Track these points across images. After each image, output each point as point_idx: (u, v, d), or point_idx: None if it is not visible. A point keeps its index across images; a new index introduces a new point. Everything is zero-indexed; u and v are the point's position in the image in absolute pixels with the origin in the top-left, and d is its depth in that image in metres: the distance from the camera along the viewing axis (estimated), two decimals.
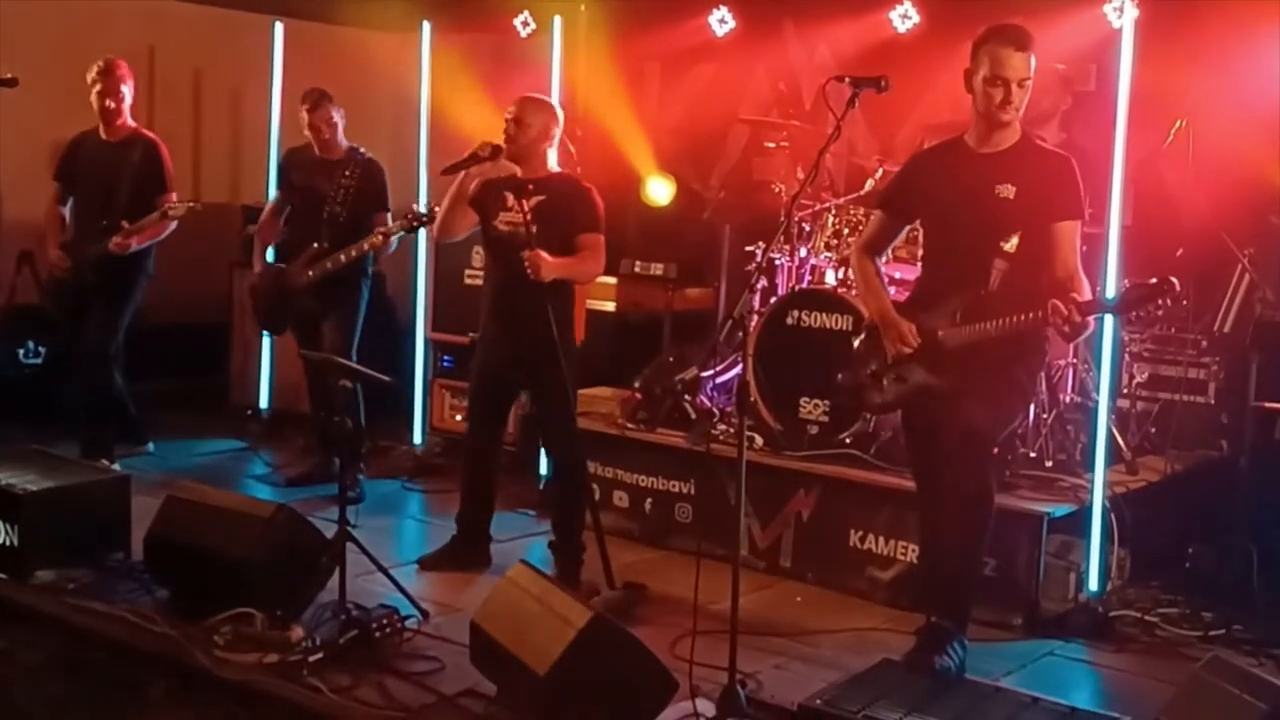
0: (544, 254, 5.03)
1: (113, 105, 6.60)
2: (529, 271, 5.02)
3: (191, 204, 6.61)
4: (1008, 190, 4.35)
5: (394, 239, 6.35)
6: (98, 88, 6.59)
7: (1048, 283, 4.29)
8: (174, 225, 6.62)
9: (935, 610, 4.40)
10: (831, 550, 5.45)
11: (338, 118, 6.52)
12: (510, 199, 5.17)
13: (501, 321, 5.31)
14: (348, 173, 6.47)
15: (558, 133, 5.32)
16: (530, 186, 5.13)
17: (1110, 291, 5.07)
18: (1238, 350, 5.93)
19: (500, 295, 5.31)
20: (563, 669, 3.67)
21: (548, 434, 5.52)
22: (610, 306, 7.34)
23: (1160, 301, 4.07)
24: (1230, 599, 5.14)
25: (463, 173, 5.27)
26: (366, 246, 6.28)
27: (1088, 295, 4.31)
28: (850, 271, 5.67)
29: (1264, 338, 5.51)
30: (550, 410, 5.38)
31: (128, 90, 6.66)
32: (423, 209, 6.21)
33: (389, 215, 6.47)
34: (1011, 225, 4.35)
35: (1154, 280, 4.07)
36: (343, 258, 6.31)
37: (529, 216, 5.06)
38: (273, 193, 7.25)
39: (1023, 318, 4.23)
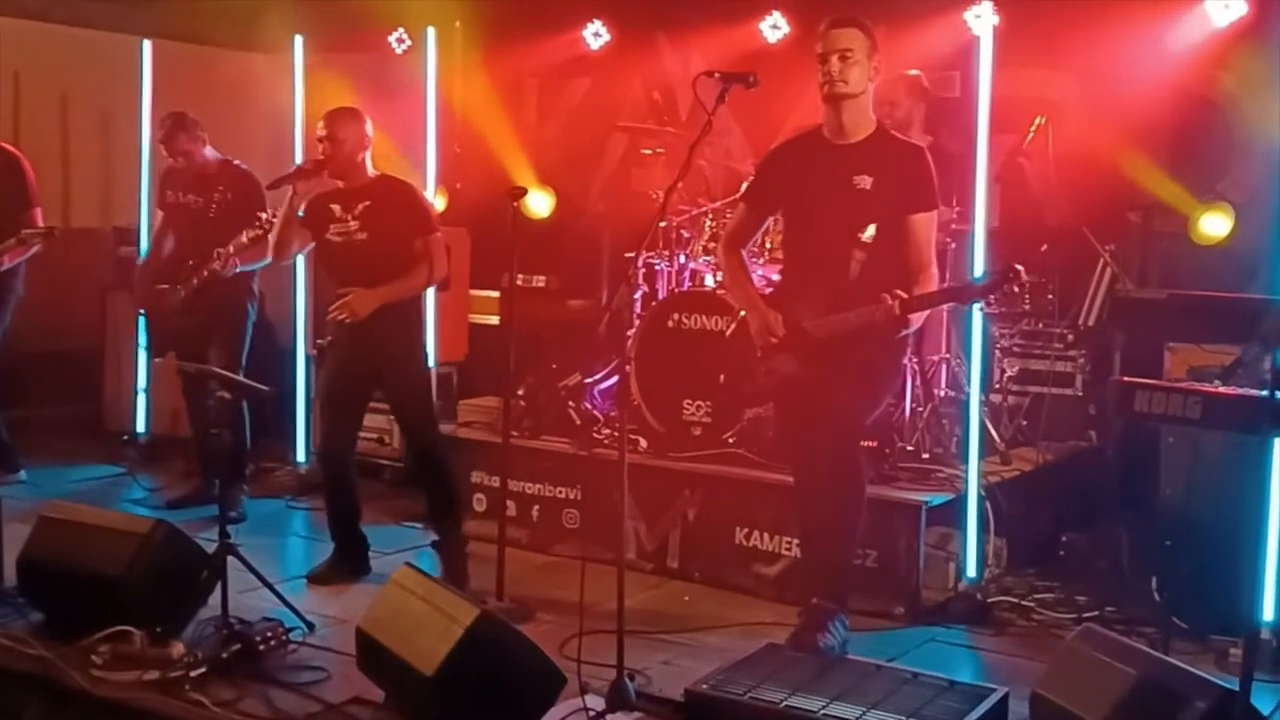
0: (358, 295, 5.22)
1: None
2: (344, 318, 5.24)
3: (49, 229, 6.49)
4: (864, 181, 4.44)
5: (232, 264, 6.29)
6: None
7: (900, 274, 4.39)
8: (37, 246, 6.49)
9: (815, 591, 4.48)
10: (718, 549, 5.51)
11: (192, 144, 6.40)
12: (338, 210, 5.37)
13: (348, 329, 5.33)
14: (221, 188, 6.38)
15: (368, 135, 5.42)
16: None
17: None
18: (1103, 343, 6.13)
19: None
20: (450, 668, 3.67)
21: (408, 432, 5.64)
22: (494, 320, 7.34)
23: (1007, 288, 4.21)
24: (1102, 583, 5.30)
25: (290, 193, 5.38)
26: (218, 268, 6.16)
27: (932, 288, 4.44)
28: None
29: (1122, 314, 5.69)
30: (408, 410, 5.52)
31: None
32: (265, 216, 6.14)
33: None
34: (868, 215, 4.45)
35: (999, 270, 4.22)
36: (204, 272, 6.21)
37: (358, 225, 5.31)
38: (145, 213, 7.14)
39: (869, 310, 4.32)
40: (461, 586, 5.02)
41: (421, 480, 5.58)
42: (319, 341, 5.69)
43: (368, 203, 5.33)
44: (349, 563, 5.48)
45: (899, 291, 4.26)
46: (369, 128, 5.41)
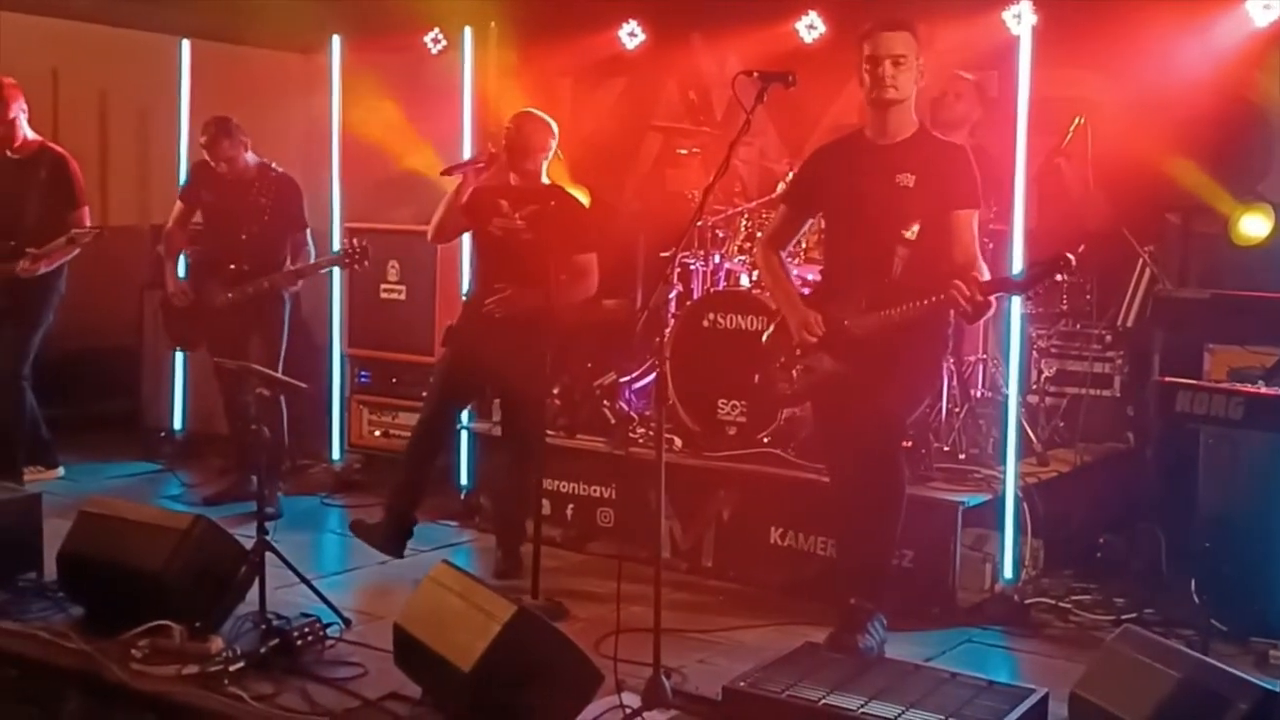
0: (517, 292, 5.32)
1: (2, 131, 6.50)
2: (499, 314, 5.32)
3: (97, 229, 6.56)
4: (907, 179, 4.46)
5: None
6: None
7: (948, 269, 4.39)
8: (80, 247, 6.56)
9: (853, 591, 4.47)
10: (753, 548, 5.50)
11: (235, 150, 6.45)
12: (505, 206, 5.45)
13: (486, 322, 5.41)
14: (260, 192, 6.42)
15: (553, 146, 5.51)
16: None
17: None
18: (1141, 344, 6.09)
19: (494, 292, 5.42)
20: (487, 664, 3.66)
21: (512, 432, 5.64)
22: None
23: (1057, 275, 4.20)
24: (1141, 585, 5.28)
25: (460, 178, 5.47)
26: (282, 281, 6.29)
27: (987, 277, 4.42)
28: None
29: (1164, 314, 5.65)
30: (521, 416, 5.54)
31: (19, 109, 6.55)
32: (339, 248, 6.25)
33: (307, 233, 6.46)
34: (912, 213, 4.45)
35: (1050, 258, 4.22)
36: (265, 284, 6.29)
37: (522, 223, 5.38)
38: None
39: (926, 301, 4.33)
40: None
41: (505, 495, 5.69)
42: (449, 325, 5.78)
43: (536, 207, 5.39)
44: (389, 535, 5.50)
45: (975, 275, 4.26)
46: (554, 137, 5.49)
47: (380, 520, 5.57)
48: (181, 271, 6.79)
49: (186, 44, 7.84)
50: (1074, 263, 4.19)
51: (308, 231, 6.50)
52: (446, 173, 5.55)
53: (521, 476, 5.53)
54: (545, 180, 5.55)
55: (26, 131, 6.63)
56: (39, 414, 6.84)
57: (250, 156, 6.54)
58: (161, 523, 4.78)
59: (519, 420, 5.60)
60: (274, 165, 6.59)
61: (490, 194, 5.52)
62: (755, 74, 4.35)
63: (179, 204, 6.82)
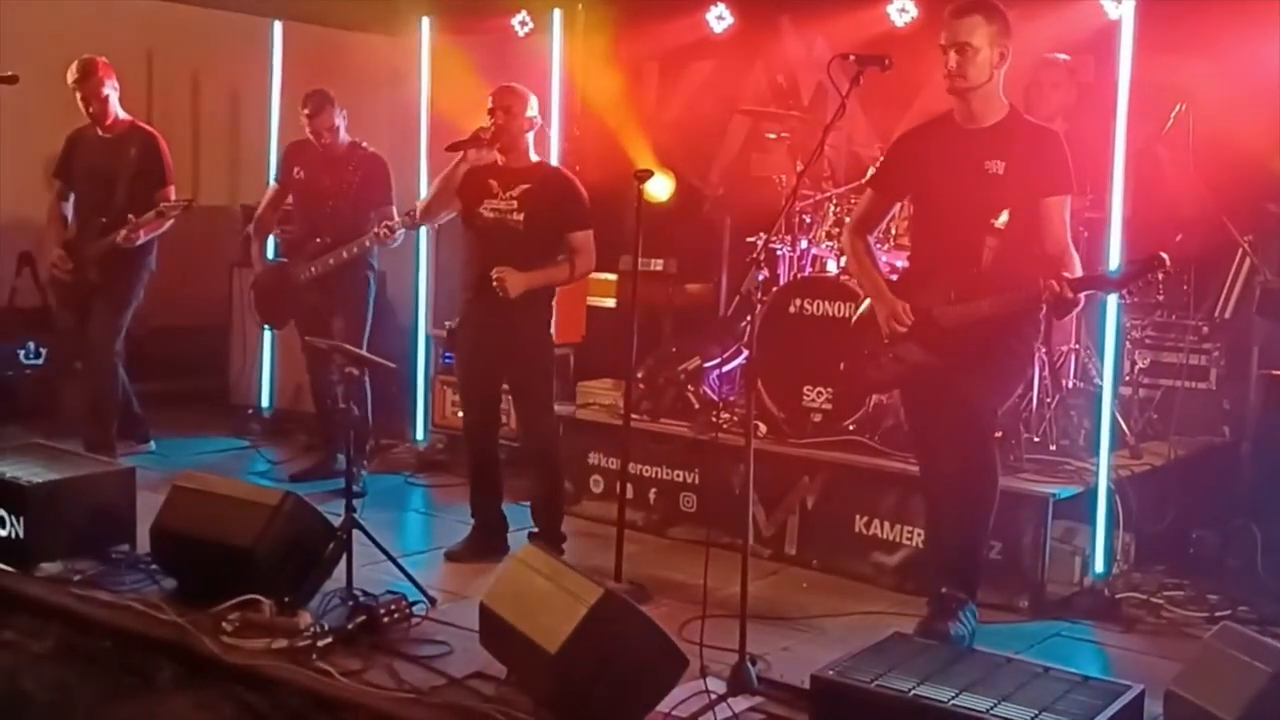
0: (511, 271, 5.17)
1: (95, 109, 6.60)
2: (497, 290, 5.17)
3: (186, 201, 6.63)
4: (997, 166, 4.36)
5: (398, 234, 6.34)
6: (78, 94, 6.59)
7: (1038, 258, 4.31)
8: (172, 220, 6.64)
9: (945, 581, 4.42)
10: (837, 536, 5.46)
11: (339, 120, 6.52)
12: (495, 186, 5.33)
13: (486, 305, 5.33)
14: (351, 168, 6.49)
15: (536, 120, 5.42)
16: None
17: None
18: (1239, 336, 5.95)
19: (485, 280, 5.31)
20: (573, 646, 3.67)
21: (523, 418, 5.59)
22: (610, 303, 7.34)
23: (1150, 276, 4.11)
24: (1235, 581, 5.17)
25: (457, 159, 5.36)
26: (368, 243, 6.28)
27: (1078, 271, 4.34)
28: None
29: (1270, 305, 5.51)
30: (527, 397, 5.49)
31: (110, 88, 6.63)
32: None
33: (393, 209, 6.49)
34: (1001, 201, 4.35)
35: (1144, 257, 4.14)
36: (344, 254, 6.33)
37: (516, 204, 5.25)
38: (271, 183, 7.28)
39: (1015, 294, 4.25)
40: None
41: (531, 474, 5.60)
42: (447, 323, 5.71)
43: (527, 185, 5.29)
44: (488, 543, 5.49)
45: (1066, 272, 4.19)
46: (534, 111, 5.38)
47: (470, 534, 5.55)
48: (271, 253, 6.87)
49: (279, 26, 7.93)
50: (1169, 263, 4.10)
51: (393, 209, 6.52)
52: (451, 149, 5.36)
53: (538, 476, 5.49)
54: (534, 157, 5.44)
55: (118, 111, 6.72)
56: (131, 390, 6.96)
57: (344, 137, 6.60)
58: (253, 498, 4.86)
59: (525, 405, 5.51)
60: (364, 144, 6.64)
61: (480, 175, 5.36)
62: (852, 57, 4.30)
63: (272, 186, 6.90)
